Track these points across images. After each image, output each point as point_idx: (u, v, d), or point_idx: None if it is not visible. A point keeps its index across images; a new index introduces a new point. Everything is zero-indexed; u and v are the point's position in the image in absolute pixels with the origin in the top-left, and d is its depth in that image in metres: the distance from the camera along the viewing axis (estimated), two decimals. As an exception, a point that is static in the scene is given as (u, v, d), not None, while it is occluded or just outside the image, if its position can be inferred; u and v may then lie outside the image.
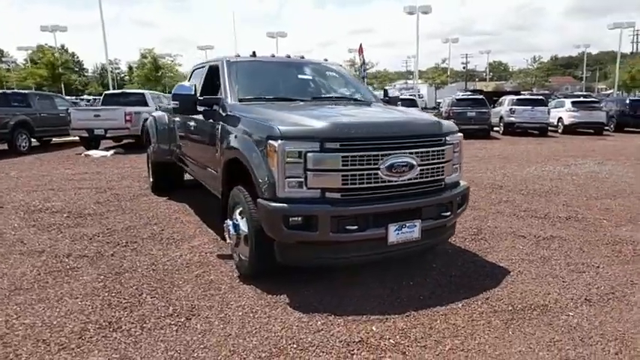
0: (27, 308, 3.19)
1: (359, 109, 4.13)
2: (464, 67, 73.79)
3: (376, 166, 3.17)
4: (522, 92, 30.49)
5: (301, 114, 3.51)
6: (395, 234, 3.23)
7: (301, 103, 4.20)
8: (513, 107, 17.36)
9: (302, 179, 3.10)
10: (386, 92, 5.14)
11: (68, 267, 3.98)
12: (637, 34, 57.24)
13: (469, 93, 25.92)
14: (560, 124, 18.29)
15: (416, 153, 3.31)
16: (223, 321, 2.97)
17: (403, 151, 3.25)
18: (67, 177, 8.82)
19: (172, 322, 2.96)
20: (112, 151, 12.66)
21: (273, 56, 5.00)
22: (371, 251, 3.31)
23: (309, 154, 3.06)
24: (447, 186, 3.60)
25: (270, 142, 3.14)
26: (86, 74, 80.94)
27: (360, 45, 19.78)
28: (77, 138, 13.52)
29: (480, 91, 28.86)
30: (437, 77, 45.45)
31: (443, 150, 3.48)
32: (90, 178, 8.70)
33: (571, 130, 17.88)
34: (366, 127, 3.31)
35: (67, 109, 13.66)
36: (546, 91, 41.67)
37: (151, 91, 16.46)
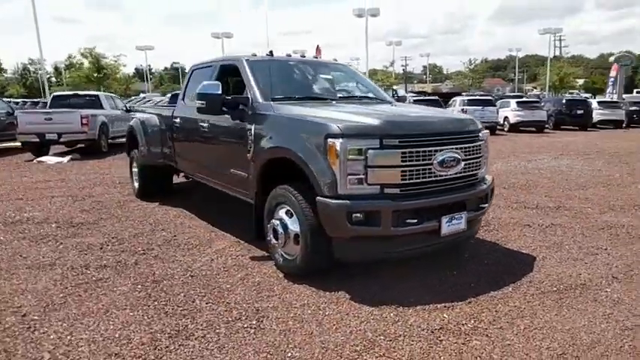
0: (74, 323, 2.98)
1: (390, 107, 4.25)
2: (403, 70, 76.72)
3: (430, 162, 3.31)
4: (462, 93, 32.24)
5: (350, 112, 3.57)
6: (446, 226, 3.39)
7: (334, 102, 4.25)
8: (465, 107, 18.39)
9: (362, 176, 3.17)
10: (395, 92, 5.31)
11: (94, 278, 3.74)
12: (560, 39, 62.60)
13: (413, 94, 26.97)
14: (506, 122, 19.64)
15: (460, 148, 3.50)
16: (297, 320, 2.96)
17: (451, 146, 3.43)
18: (30, 185, 8.14)
19: (245, 326, 2.90)
20: (67, 157, 11.83)
21: (290, 56, 4.99)
22: (424, 243, 3.46)
23: (369, 151, 3.14)
24: (480, 179, 3.83)
25: (330, 140, 3.18)
26: (4, 75, 74.39)
27: (318, 46, 19.93)
28: (19, 144, 12.44)
29: (425, 93, 30.15)
30: (386, 79, 47.10)
31: (479, 145, 3.70)
32: (56, 185, 8.10)
33: (516, 128, 19.28)
34: (420, 124, 3.46)
35: (11, 112, 12.59)
36: (481, 92, 44.38)
37: (105, 93, 15.57)
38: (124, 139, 15.02)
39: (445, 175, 3.42)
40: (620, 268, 3.78)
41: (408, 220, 3.24)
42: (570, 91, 47.11)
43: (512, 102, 20.09)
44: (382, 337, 2.72)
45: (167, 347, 2.67)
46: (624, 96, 31.36)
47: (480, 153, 3.71)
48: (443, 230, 3.37)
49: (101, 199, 6.85)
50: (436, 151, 3.33)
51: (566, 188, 7.11)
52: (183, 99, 5.70)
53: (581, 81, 60.36)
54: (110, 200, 6.73)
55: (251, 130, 3.98)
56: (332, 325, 2.88)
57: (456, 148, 3.46)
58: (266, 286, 3.53)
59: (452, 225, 3.43)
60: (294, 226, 3.54)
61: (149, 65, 61.06)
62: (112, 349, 2.67)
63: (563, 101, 21.10)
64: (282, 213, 3.66)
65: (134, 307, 3.20)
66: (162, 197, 6.63)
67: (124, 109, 15.73)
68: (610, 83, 30.87)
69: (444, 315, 2.99)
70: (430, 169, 3.32)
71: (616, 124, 21.20)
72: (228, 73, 4.77)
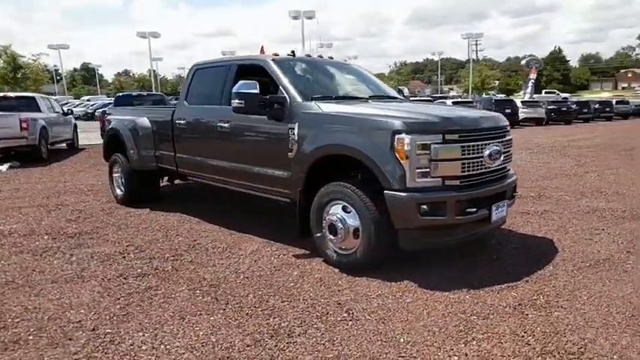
0: (157, 333, 2.83)
1: (421, 105, 4.48)
2: (331, 72, 78.18)
3: (481, 155, 3.58)
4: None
5: (403, 110, 3.73)
6: (495, 213, 3.68)
7: (369, 100, 4.38)
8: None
9: (427, 169, 3.36)
10: (400, 91, 5.56)
11: (142, 288, 3.53)
12: (477, 43, 67.78)
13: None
14: (444, 122, 20.96)
15: (501, 142, 3.81)
16: (386, 310, 3.06)
17: (496, 140, 3.73)
18: (-18, 197, 7.30)
19: (340, 319, 2.94)
20: (6, 165, 10.67)
21: (309, 56, 5.03)
22: (477, 230, 3.73)
23: (433, 146, 3.34)
24: (509, 171, 4.19)
25: (398, 136, 3.32)
26: None
27: (262, 47, 19.78)
28: None
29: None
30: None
31: (510, 139, 4.05)
32: (15, 196, 7.33)
33: (453, 127, 20.63)
34: (474, 120, 3.72)
35: None
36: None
37: (40, 95, 14.26)
38: (63, 145, 14.23)
39: (491, 167, 3.71)
40: (626, 244, 4.33)
41: (468, 210, 3.48)
42: (488, 92, 51.36)
43: (449, 102, 21.49)
44: (475, 317, 2.92)
45: (276, 346, 2.64)
46: (534, 96, 34.91)
47: (511, 146, 4.06)
48: (493, 217, 3.66)
49: (79, 207, 6.35)
50: (486, 144, 3.61)
51: (534, 179, 7.86)
52: (185, 99, 5.49)
53: (496, 82, 66.03)
54: (91, 208, 6.27)
55: (294, 129, 3.98)
56: (422, 311, 3.02)
57: (498, 142, 3.77)
58: (331, 281, 3.57)
59: (498, 212, 3.73)
60: (351, 220, 3.63)
61: (55, 66, 55.91)
62: (219, 353, 2.58)
63: (493, 101, 23.05)
64: (336, 209, 3.73)
65: (210, 312, 3.09)
66: (149, 203, 6.32)
67: (62, 112, 14.61)
68: (530, 85, 34.17)
69: (513, 293, 3.26)
70: (482, 161, 3.59)
71: (537, 122, 23.57)
72: (249, 73, 4.70)
